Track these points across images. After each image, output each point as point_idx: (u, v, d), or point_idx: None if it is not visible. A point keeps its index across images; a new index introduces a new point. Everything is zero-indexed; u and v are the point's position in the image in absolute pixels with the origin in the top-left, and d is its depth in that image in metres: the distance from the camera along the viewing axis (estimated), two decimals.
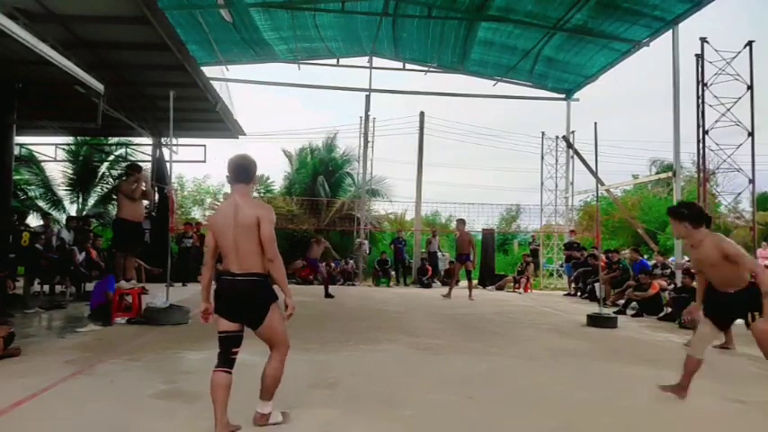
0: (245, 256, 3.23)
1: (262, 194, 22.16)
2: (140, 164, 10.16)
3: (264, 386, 3.43)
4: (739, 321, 4.46)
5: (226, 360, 3.35)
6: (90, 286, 9.97)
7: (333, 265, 17.56)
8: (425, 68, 17.67)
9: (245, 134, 14.32)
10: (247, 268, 3.23)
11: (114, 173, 19.12)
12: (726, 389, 4.79)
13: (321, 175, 21.64)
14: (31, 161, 17.39)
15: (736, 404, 4.36)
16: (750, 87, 9.63)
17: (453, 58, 16.58)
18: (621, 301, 10.81)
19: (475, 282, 14.89)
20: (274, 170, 23.77)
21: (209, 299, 3.41)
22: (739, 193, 10.97)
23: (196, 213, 22.38)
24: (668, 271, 11.56)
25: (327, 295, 11.62)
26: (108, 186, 19.45)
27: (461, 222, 13.01)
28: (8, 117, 9.22)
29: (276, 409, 3.56)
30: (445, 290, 13.12)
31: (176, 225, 15.06)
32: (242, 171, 3.35)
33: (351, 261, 17.54)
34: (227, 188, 24.96)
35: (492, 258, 17.34)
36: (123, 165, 16.62)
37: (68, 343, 6.09)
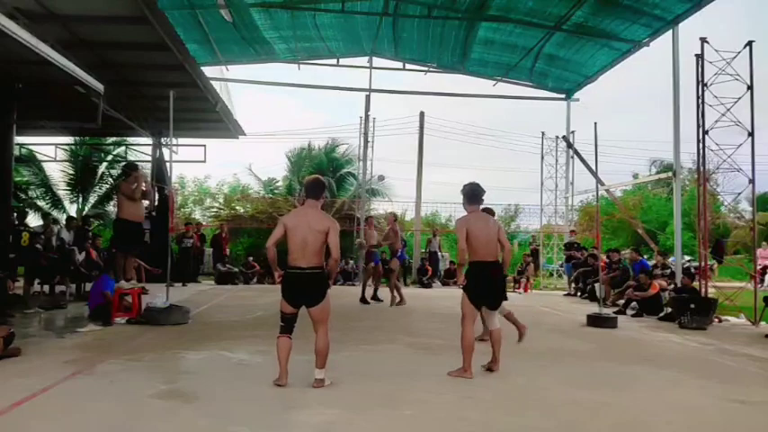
0: (311, 254, 4.28)
1: (263, 194, 22.18)
2: (138, 163, 10.14)
3: (319, 357, 4.38)
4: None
5: (288, 329, 4.42)
6: (90, 286, 9.97)
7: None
8: (425, 68, 17.66)
9: (245, 134, 14.33)
10: (313, 263, 4.29)
11: (114, 172, 19.12)
12: (726, 389, 4.79)
13: (322, 175, 21.63)
14: (31, 161, 17.39)
15: (736, 404, 4.36)
16: (750, 87, 9.62)
17: (453, 58, 16.57)
18: (621, 301, 10.81)
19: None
20: (274, 170, 23.82)
21: (278, 269, 4.43)
22: (739, 193, 10.94)
23: (197, 214, 22.40)
24: (668, 271, 11.56)
25: (374, 298, 10.97)
26: (107, 186, 19.46)
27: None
28: (8, 117, 9.22)
29: (275, 409, 3.56)
30: (447, 290, 13.11)
31: (177, 225, 15.07)
32: (315, 188, 4.53)
33: (351, 261, 17.53)
34: (226, 188, 24.93)
35: None
36: (122, 165, 16.63)
37: (68, 343, 6.09)
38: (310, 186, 4.56)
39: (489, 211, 5.73)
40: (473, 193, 5.07)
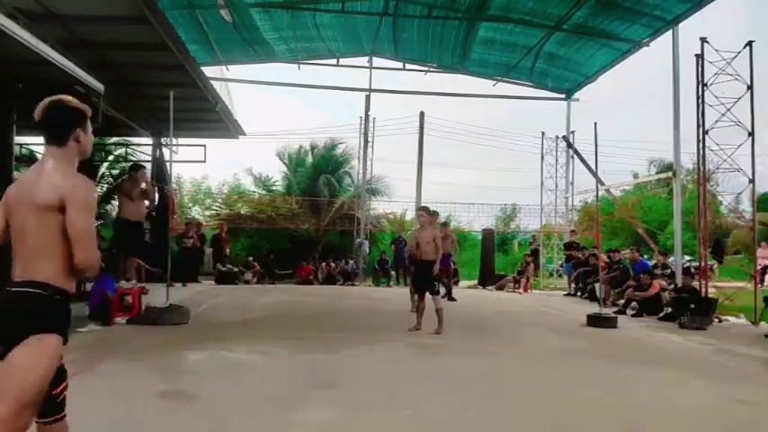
0: (30, 254, 2.18)
1: (259, 194, 22.16)
2: (141, 163, 10.16)
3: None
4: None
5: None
6: (90, 286, 9.97)
7: (333, 264, 17.59)
8: (425, 68, 17.66)
9: (245, 134, 14.32)
10: (27, 274, 2.17)
11: (114, 172, 19.11)
12: (726, 389, 4.79)
13: (323, 174, 21.62)
14: (31, 161, 17.39)
15: (736, 404, 4.36)
16: (750, 87, 9.62)
17: (453, 58, 16.56)
18: (621, 301, 10.81)
19: (475, 282, 14.92)
20: (274, 170, 23.88)
21: None
22: (739, 193, 10.95)
23: (194, 213, 22.42)
24: (668, 271, 11.56)
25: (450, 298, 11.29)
26: (108, 186, 19.44)
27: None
28: (8, 117, 9.21)
29: (275, 409, 3.56)
30: (455, 290, 13.13)
31: (177, 225, 15.06)
32: (53, 120, 2.31)
33: (351, 261, 17.55)
34: (226, 188, 24.86)
35: (492, 258, 17.34)
36: (123, 165, 16.62)
37: (68, 343, 6.07)
38: (44, 117, 2.26)
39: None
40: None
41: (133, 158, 16.70)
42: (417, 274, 7.89)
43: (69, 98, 2.25)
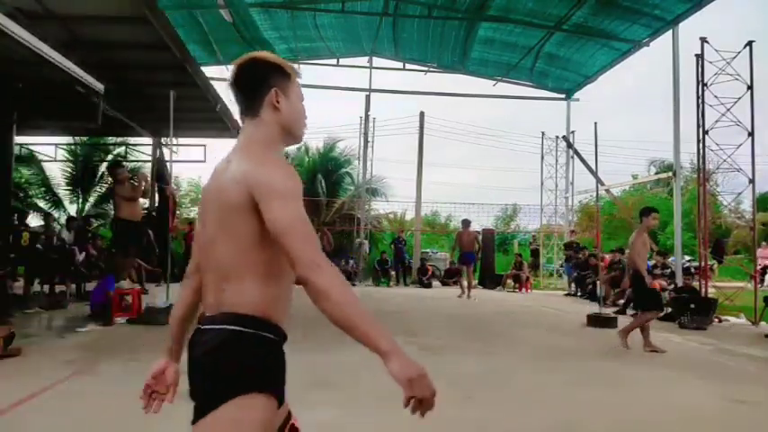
0: (220, 273, 1.76)
1: None
2: (119, 160, 10.22)
3: None
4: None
5: None
6: (90, 286, 9.97)
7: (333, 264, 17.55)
8: (425, 68, 17.67)
9: None
10: (223, 304, 1.69)
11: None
12: (726, 389, 4.78)
13: (320, 173, 21.60)
14: (31, 161, 17.38)
15: (736, 404, 4.36)
16: (750, 87, 9.62)
17: (453, 58, 16.57)
18: (621, 301, 10.80)
19: (475, 282, 14.93)
20: None
21: None
22: (739, 193, 10.94)
23: (192, 213, 22.39)
24: (668, 271, 11.56)
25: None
26: (108, 186, 19.42)
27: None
28: (8, 117, 9.21)
29: None
30: (447, 290, 13.15)
31: (178, 225, 15.05)
32: (245, 86, 1.80)
33: (351, 261, 17.54)
34: None
35: (492, 258, 17.35)
36: (107, 167, 16.64)
37: (68, 343, 6.09)
38: (235, 78, 1.61)
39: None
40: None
41: (133, 159, 16.69)
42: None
43: (266, 53, 1.61)
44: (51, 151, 15.51)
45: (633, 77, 56.39)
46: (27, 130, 12.50)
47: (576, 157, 16.08)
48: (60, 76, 7.27)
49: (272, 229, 1.38)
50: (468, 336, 7.30)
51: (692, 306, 8.67)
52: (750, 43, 9.57)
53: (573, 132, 16.80)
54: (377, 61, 17.80)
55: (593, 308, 9.50)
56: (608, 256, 13.34)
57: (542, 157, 18.19)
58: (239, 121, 1.64)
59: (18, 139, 11.95)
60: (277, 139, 1.57)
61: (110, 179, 19.13)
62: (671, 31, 11.86)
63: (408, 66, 17.65)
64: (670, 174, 13.17)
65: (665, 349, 6.49)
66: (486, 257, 16.76)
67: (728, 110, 9.63)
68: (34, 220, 16.07)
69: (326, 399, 4.12)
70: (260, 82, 1.55)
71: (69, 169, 18.88)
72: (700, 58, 9.80)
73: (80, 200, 19.38)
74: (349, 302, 1.35)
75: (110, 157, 18.01)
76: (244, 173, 1.43)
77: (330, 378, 4.50)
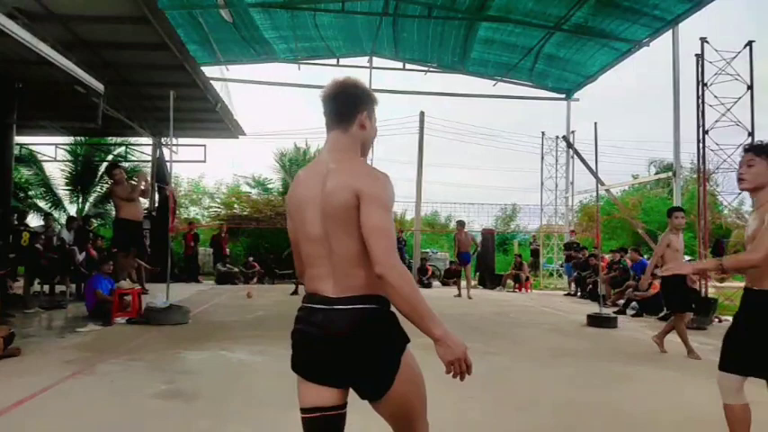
0: (342, 264, 2.00)
1: (254, 194, 22.09)
2: (117, 162, 10.22)
3: None
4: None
5: None
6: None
7: None
8: (425, 68, 17.66)
9: (245, 134, 14.33)
10: (346, 288, 1.95)
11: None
12: None
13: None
14: (31, 161, 17.38)
15: None
16: (750, 87, 9.63)
17: (453, 58, 16.56)
18: (621, 301, 10.81)
19: (474, 282, 14.94)
20: (274, 169, 23.80)
21: None
22: (739, 193, 10.95)
23: (192, 213, 22.39)
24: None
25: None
26: (108, 186, 19.42)
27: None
28: (8, 117, 9.22)
29: (275, 409, 3.56)
30: (447, 290, 13.16)
31: (177, 225, 15.06)
32: (339, 104, 1.99)
33: None
34: (224, 187, 24.79)
35: (492, 258, 17.35)
36: (123, 164, 16.59)
37: (68, 343, 6.09)
38: (330, 98, 1.95)
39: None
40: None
41: (133, 159, 16.71)
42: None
43: (359, 80, 1.98)
44: (51, 151, 15.54)
45: (633, 77, 56.41)
46: (27, 130, 12.53)
47: (575, 157, 16.09)
48: (60, 76, 7.28)
49: (363, 227, 1.73)
50: (468, 336, 7.28)
51: (693, 306, 8.67)
52: (750, 43, 9.58)
53: (573, 132, 16.80)
54: (377, 61, 17.79)
55: (594, 308, 9.50)
56: (608, 256, 13.36)
57: (542, 157, 18.19)
58: (326, 129, 1.95)
59: (18, 139, 11.97)
60: (359, 150, 1.95)
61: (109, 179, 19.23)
62: (671, 31, 11.86)
63: (408, 66, 17.64)
64: (670, 174, 13.17)
65: (666, 350, 6.46)
66: (486, 257, 16.77)
67: (728, 110, 9.64)
68: (34, 220, 16.10)
69: None
70: (357, 103, 1.93)
71: (69, 169, 18.88)
72: (700, 58, 9.81)
73: (80, 200, 19.38)
74: (415, 298, 1.71)
75: (110, 157, 18.02)
76: (354, 178, 1.78)
77: None
